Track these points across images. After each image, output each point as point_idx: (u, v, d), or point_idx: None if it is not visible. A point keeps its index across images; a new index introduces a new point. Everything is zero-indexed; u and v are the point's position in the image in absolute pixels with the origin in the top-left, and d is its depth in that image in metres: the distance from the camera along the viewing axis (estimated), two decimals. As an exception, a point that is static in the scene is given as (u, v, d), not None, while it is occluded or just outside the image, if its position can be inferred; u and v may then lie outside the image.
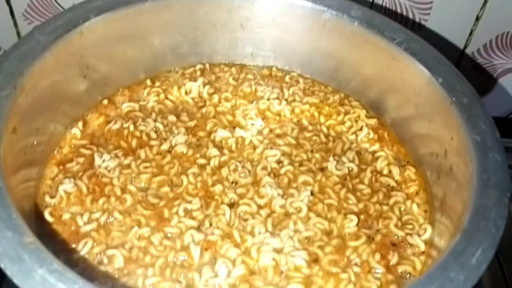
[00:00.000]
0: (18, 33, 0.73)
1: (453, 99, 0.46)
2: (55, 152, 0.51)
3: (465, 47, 0.76)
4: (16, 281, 0.30)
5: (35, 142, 0.47)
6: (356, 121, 0.57)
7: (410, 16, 0.72)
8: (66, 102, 0.52)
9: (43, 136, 0.49)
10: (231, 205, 0.48)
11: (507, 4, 0.71)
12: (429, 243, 0.46)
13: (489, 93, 0.84)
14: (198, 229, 0.46)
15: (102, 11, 0.51)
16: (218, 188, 0.49)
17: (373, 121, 0.57)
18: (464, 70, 0.80)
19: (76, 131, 0.52)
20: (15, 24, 0.72)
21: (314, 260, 0.45)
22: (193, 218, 0.46)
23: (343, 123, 0.57)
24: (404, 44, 0.51)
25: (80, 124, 0.53)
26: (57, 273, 0.31)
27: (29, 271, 0.31)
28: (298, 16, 0.57)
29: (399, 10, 0.72)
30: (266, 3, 0.57)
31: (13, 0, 0.70)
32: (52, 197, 0.47)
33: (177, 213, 0.47)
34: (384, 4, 0.71)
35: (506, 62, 0.79)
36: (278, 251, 0.45)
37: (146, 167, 0.50)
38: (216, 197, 0.48)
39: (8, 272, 0.31)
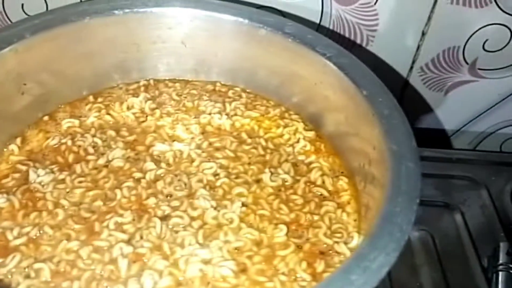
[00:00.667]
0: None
1: (375, 110, 0.47)
2: (-9, 168, 0.51)
3: (414, 62, 0.79)
4: None
5: (-32, 158, 0.48)
6: (294, 133, 0.58)
7: (358, 33, 0.74)
8: (3, 118, 0.52)
9: (-21, 152, 0.50)
10: (164, 218, 0.49)
11: (451, 20, 0.73)
12: (355, 250, 0.47)
13: (440, 106, 0.86)
14: (128, 242, 0.46)
15: (39, 29, 0.52)
16: (151, 201, 0.50)
17: (310, 134, 0.58)
18: (415, 84, 0.82)
19: (14, 147, 0.53)
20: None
21: (242, 270, 0.45)
22: (123, 231, 0.47)
23: (281, 135, 0.58)
24: (333, 58, 0.53)
25: (18, 140, 0.54)
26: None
27: None
28: (236, 32, 0.59)
29: (346, 29, 0.74)
30: (204, 20, 0.59)
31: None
32: (-16, 212, 0.47)
33: (107, 226, 0.47)
34: (331, 24, 0.73)
35: (455, 76, 0.81)
36: (206, 262, 0.45)
37: (80, 182, 0.51)
38: (149, 210, 0.49)
39: None
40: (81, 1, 0.64)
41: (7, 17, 0.70)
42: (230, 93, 0.63)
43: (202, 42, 0.60)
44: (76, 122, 0.57)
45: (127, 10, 0.56)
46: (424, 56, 0.78)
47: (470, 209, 0.71)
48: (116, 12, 0.55)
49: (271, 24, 0.56)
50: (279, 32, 0.56)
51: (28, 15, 0.69)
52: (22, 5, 0.69)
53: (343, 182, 0.54)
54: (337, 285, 0.34)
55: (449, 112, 0.87)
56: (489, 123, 0.88)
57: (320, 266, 0.46)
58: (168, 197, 0.51)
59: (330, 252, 0.47)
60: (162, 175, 0.52)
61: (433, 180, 0.73)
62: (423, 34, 0.75)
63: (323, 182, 0.54)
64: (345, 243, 0.48)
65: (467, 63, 0.79)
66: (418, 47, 0.77)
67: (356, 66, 0.52)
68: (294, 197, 0.52)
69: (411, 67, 0.79)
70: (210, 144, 0.57)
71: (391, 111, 0.47)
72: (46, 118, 0.57)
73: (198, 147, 0.56)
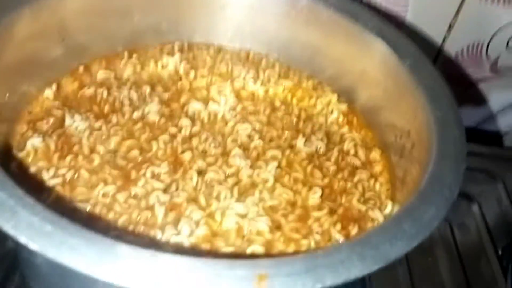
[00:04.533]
0: None
1: (418, 80, 0.48)
2: (27, 111, 0.51)
3: (438, 54, 0.79)
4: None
5: (6, 96, 0.47)
6: (328, 105, 0.59)
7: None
8: (41, 63, 0.52)
9: (15, 94, 0.49)
10: (199, 172, 0.48)
11: (479, 14, 0.74)
12: (388, 217, 0.47)
13: (461, 102, 0.86)
14: (165, 191, 0.46)
15: (85, -24, 0.52)
16: (187, 155, 0.50)
17: (343, 106, 0.58)
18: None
19: (49, 92, 0.52)
20: None
21: (277, 226, 0.45)
22: (160, 180, 0.47)
23: (314, 106, 0.58)
24: (375, 30, 0.53)
25: (54, 86, 0.53)
26: (16, 197, 0.31)
27: (-11, 194, 0.31)
28: (276, 1, 0.59)
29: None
30: (246, -14, 0.59)
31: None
32: (20, 151, 0.47)
33: (144, 175, 0.47)
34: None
35: (475, 72, 0.82)
36: (242, 216, 0.45)
37: (116, 131, 0.50)
38: (185, 163, 0.49)
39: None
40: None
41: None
42: (263, 62, 0.63)
43: (241, 9, 0.60)
44: (112, 74, 0.56)
45: (171, -32, 0.56)
46: (449, 49, 0.79)
47: (487, 200, 0.72)
48: (161, -31, 0.55)
49: (313, -7, 0.56)
50: (320, 2, 0.56)
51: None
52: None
53: (376, 154, 0.54)
54: (390, 232, 0.34)
55: (470, 108, 0.88)
56: (507, 121, 0.89)
57: (354, 229, 0.46)
58: (203, 153, 0.51)
59: (364, 217, 0.48)
60: (197, 132, 0.52)
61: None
62: (450, 27, 0.76)
63: (356, 152, 0.54)
64: (379, 209, 0.48)
65: (489, 59, 0.80)
66: (444, 39, 0.78)
67: (398, 38, 0.52)
68: (327, 163, 0.52)
69: (435, 59, 0.80)
70: (244, 108, 0.56)
71: (435, 81, 0.48)
72: (81, 68, 0.56)
73: (232, 109, 0.56)
